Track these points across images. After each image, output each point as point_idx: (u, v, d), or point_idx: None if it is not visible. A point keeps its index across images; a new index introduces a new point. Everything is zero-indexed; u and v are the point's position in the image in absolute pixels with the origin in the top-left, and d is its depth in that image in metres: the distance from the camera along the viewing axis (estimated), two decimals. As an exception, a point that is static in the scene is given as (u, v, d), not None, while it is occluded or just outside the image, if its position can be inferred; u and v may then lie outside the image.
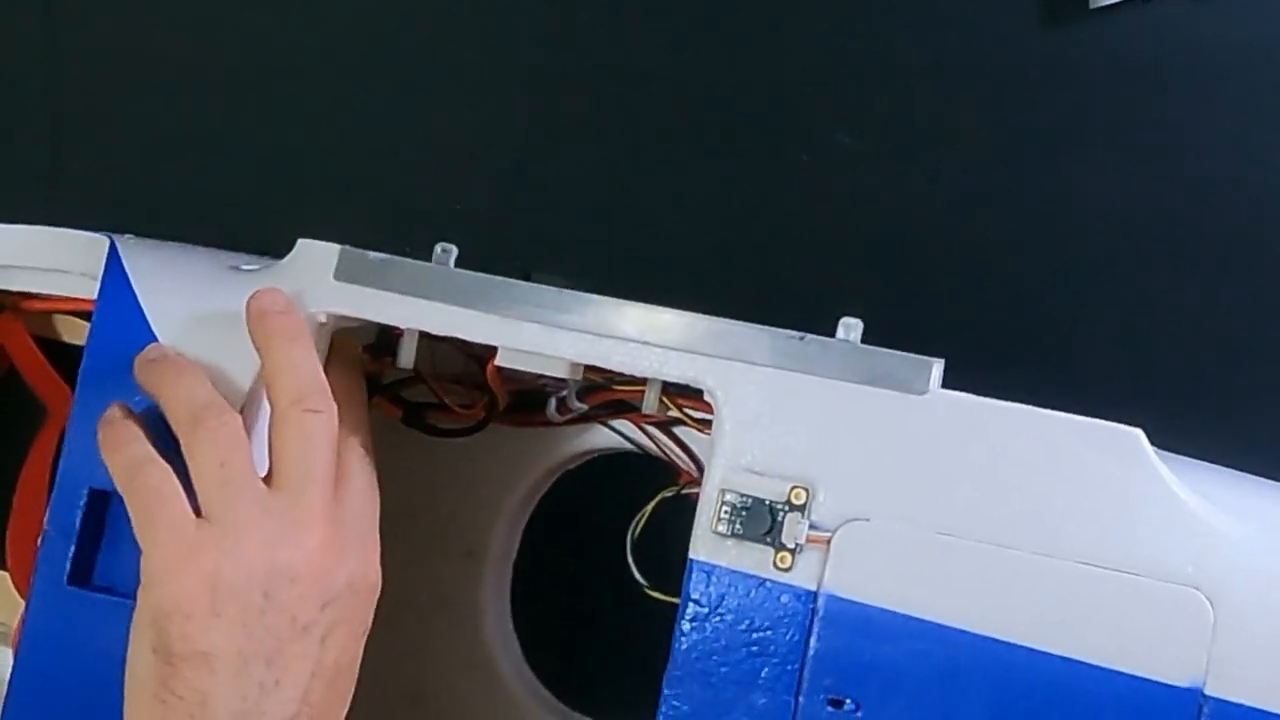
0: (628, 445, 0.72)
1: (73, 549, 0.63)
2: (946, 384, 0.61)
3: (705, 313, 0.63)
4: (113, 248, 0.67)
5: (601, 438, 0.73)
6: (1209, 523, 0.57)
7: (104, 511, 0.64)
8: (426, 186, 0.82)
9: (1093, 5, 0.74)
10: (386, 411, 0.70)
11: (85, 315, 0.77)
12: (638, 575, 0.68)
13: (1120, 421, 0.60)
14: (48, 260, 0.72)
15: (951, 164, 0.77)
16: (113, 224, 0.76)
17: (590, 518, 0.75)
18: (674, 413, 0.66)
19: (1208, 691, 0.56)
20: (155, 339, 0.65)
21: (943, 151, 0.77)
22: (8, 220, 0.75)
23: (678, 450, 0.70)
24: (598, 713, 0.75)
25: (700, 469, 0.69)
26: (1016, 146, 0.76)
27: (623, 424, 0.71)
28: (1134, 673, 0.57)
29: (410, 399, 0.70)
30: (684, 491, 0.69)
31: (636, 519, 0.68)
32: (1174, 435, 0.63)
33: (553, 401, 0.70)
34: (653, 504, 0.68)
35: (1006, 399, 0.61)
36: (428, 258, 0.65)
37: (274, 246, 0.75)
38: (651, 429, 0.70)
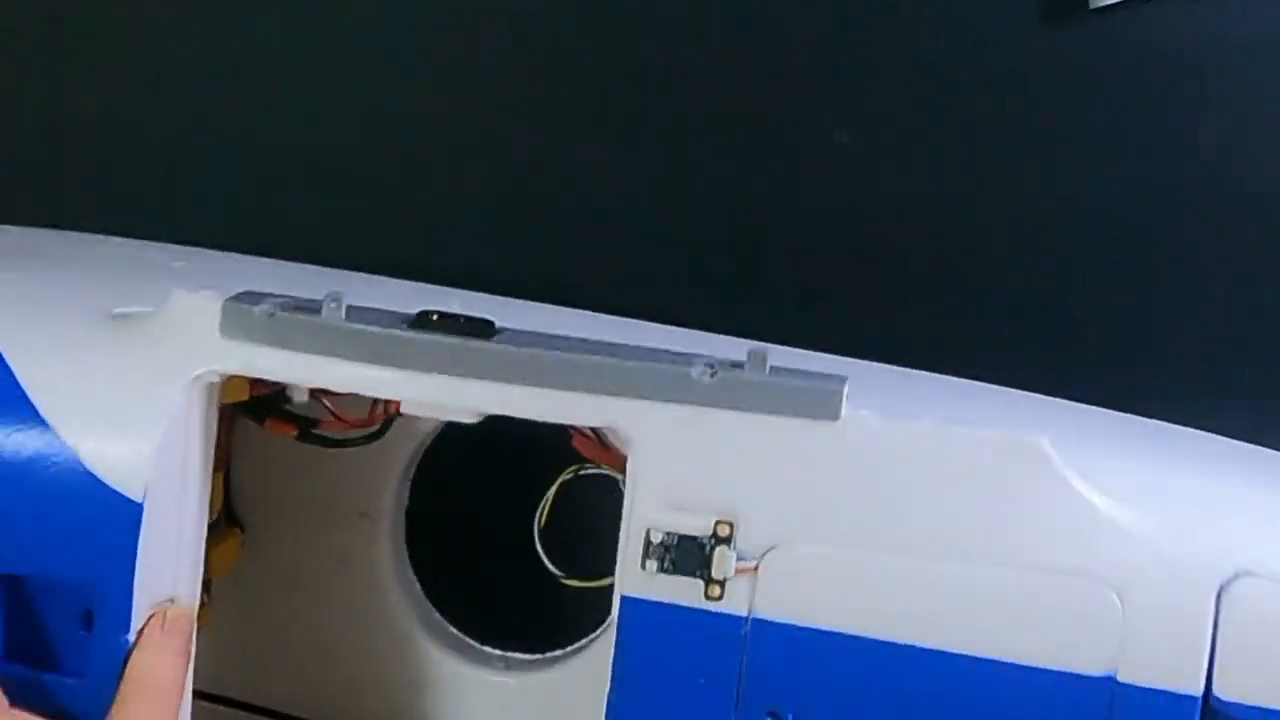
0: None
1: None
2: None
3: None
4: None
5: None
6: (1116, 521, 0.60)
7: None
8: (427, 188, 0.83)
9: (1093, 5, 0.75)
10: (281, 431, 0.69)
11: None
12: (550, 566, 0.70)
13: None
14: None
15: (951, 164, 0.78)
16: (112, 223, 0.79)
17: (476, 466, 0.76)
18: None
19: (1120, 679, 0.60)
20: (35, 412, 0.63)
21: (943, 151, 0.78)
22: (9, 220, 0.77)
23: None
24: (508, 645, 0.77)
25: (596, 434, 0.70)
26: (1016, 146, 0.77)
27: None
28: (1052, 667, 0.60)
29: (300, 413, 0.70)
30: (582, 473, 0.70)
31: (540, 506, 0.70)
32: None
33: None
34: (554, 489, 0.70)
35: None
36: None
37: (274, 247, 0.78)
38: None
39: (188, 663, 0.63)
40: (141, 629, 0.62)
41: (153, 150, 0.84)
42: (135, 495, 0.62)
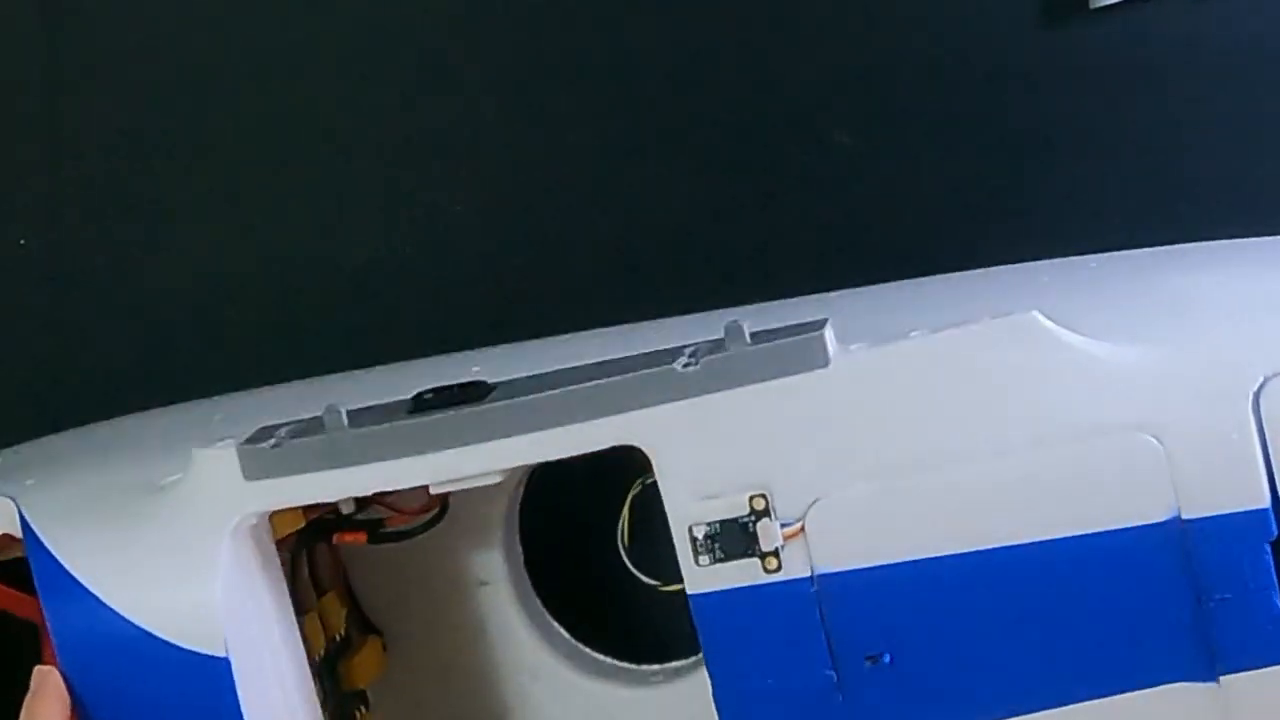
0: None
1: None
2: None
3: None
4: (20, 514, 0.67)
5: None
6: (1129, 366, 0.59)
7: None
8: (424, 187, 0.84)
9: (1093, 5, 0.75)
10: (352, 541, 0.71)
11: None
12: (643, 577, 0.71)
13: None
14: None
15: (951, 164, 0.78)
16: (112, 224, 0.83)
17: (571, 511, 0.78)
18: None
19: (1185, 516, 0.58)
20: (89, 592, 0.66)
21: (943, 151, 0.78)
22: (9, 220, 0.80)
23: None
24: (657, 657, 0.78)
25: None
26: (1016, 146, 0.77)
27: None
28: (1116, 527, 0.59)
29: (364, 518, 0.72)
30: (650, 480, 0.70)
31: (620, 524, 0.71)
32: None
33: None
34: (628, 503, 0.71)
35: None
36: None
37: (272, 246, 0.82)
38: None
39: None
40: None
41: (151, 149, 0.86)
42: (218, 651, 0.64)
